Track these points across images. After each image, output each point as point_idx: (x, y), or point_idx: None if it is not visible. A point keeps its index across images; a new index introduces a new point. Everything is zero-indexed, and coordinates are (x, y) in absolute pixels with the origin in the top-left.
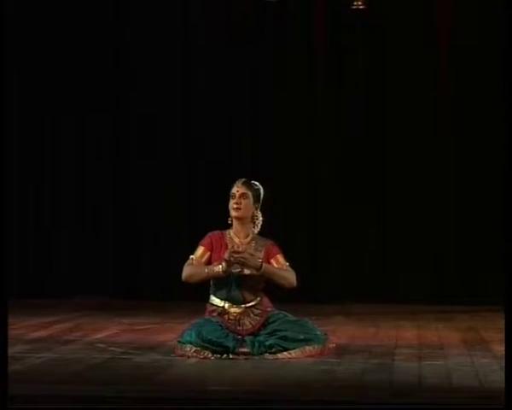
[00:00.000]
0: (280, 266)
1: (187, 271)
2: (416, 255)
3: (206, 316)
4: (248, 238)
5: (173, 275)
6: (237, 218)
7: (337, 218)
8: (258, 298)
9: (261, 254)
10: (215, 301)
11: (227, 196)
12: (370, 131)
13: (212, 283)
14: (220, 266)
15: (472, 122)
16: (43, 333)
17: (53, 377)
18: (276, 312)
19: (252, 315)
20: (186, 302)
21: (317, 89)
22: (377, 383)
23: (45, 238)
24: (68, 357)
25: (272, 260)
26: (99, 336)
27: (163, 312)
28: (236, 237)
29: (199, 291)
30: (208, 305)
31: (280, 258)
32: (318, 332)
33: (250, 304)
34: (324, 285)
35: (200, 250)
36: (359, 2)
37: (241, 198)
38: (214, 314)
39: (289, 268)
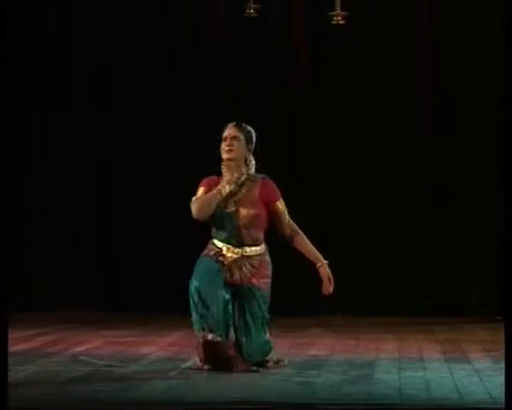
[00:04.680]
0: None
1: (196, 205)
2: (396, 268)
3: (203, 259)
4: (241, 179)
5: (155, 288)
6: (229, 160)
7: (317, 231)
8: (259, 249)
9: (255, 194)
10: (215, 241)
11: None
12: (351, 146)
13: (212, 225)
14: (224, 186)
15: (457, 129)
16: (25, 346)
17: (36, 390)
18: (260, 300)
19: (244, 269)
20: (167, 315)
21: (298, 106)
22: (357, 394)
23: (28, 251)
24: (51, 370)
25: (271, 210)
26: (81, 348)
27: (144, 324)
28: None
29: (180, 304)
30: (210, 244)
31: (279, 206)
32: (259, 346)
33: (248, 251)
34: (303, 297)
35: (200, 190)
36: (339, 18)
37: (232, 140)
38: (212, 253)
39: (290, 221)
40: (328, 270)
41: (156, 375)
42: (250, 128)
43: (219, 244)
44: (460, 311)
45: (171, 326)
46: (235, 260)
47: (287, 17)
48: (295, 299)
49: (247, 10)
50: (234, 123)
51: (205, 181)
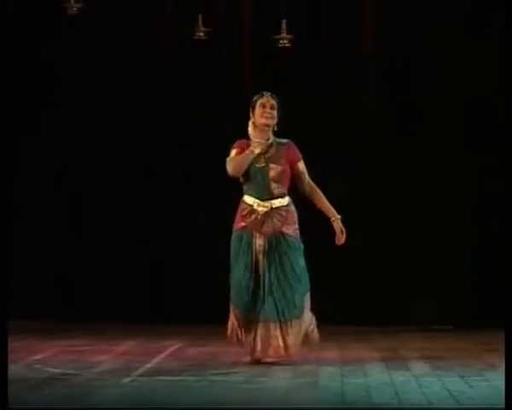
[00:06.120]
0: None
1: (232, 164)
2: (335, 278)
3: (237, 224)
4: (269, 141)
5: (108, 297)
6: (266, 125)
7: None
8: (285, 201)
9: (283, 154)
10: (247, 199)
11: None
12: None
13: (243, 181)
14: (256, 147)
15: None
16: None
17: None
18: (291, 252)
19: (275, 219)
20: (120, 324)
21: (244, 127)
22: (302, 401)
23: None
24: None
25: (294, 169)
26: (36, 357)
27: (97, 334)
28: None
29: (131, 313)
30: (242, 204)
31: (300, 166)
32: (296, 304)
33: (277, 204)
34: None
35: (233, 152)
36: (285, 41)
37: (272, 109)
38: (244, 213)
39: (309, 180)
40: (341, 224)
41: (109, 383)
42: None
43: (250, 201)
44: (398, 320)
45: (123, 335)
46: (266, 213)
47: (235, 40)
48: None
49: (197, 33)
50: (269, 93)
51: (236, 143)
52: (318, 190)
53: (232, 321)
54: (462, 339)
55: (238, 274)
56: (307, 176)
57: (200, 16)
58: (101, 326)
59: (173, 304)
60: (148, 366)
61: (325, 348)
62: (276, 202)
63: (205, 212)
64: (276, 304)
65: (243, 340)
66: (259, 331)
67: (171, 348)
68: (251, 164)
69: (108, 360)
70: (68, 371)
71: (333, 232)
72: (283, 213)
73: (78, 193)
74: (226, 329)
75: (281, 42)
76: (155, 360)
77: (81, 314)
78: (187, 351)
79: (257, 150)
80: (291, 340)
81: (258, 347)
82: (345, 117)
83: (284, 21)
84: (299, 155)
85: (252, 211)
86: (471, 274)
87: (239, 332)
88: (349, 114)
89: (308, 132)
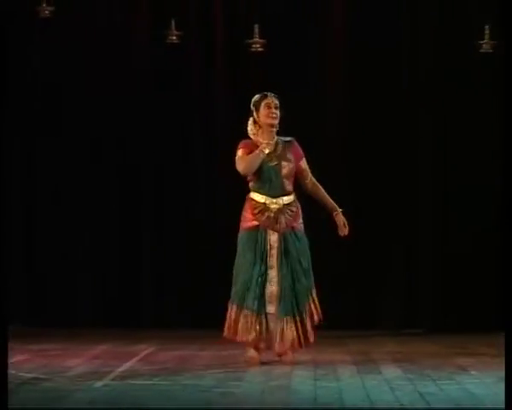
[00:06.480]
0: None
1: (243, 163)
2: None
3: (247, 222)
4: (274, 140)
5: (80, 301)
6: (272, 125)
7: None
8: (293, 197)
9: (290, 152)
10: (257, 197)
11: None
12: None
13: (253, 179)
14: (265, 147)
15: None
16: None
17: None
18: (300, 246)
19: (286, 215)
20: (92, 329)
21: (217, 130)
22: (275, 404)
23: None
24: None
25: (298, 166)
26: (8, 361)
27: (69, 338)
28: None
29: (103, 317)
30: (252, 201)
31: (303, 164)
32: (306, 295)
33: (287, 200)
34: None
35: (240, 152)
36: (258, 46)
37: (276, 109)
38: (256, 211)
39: (311, 177)
40: (343, 217)
41: (81, 387)
42: None
43: (261, 199)
44: (370, 324)
45: (95, 339)
46: (279, 210)
47: (208, 44)
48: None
49: (170, 37)
50: (272, 93)
51: (243, 144)
52: (320, 186)
53: (234, 319)
54: (433, 342)
55: (250, 271)
56: (310, 172)
57: (172, 20)
58: (73, 330)
59: (145, 308)
60: (121, 369)
61: (297, 351)
62: (286, 199)
63: (179, 215)
64: (290, 299)
65: (251, 337)
66: (278, 328)
67: (144, 352)
68: (262, 162)
69: (80, 364)
70: (41, 376)
71: (334, 226)
72: (294, 209)
73: (51, 195)
74: (224, 328)
75: (253, 46)
76: (128, 364)
77: (52, 319)
78: (159, 355)
79: (266, 150)
80: (307, 330)
81: (278, 343)
82: (317, 120)
83: (257, 26)
84: (302, 152)
85: (264, 209)
86: (442, 278)
87: (246, 329)
88: (321, 118)
89: (280, 135)
